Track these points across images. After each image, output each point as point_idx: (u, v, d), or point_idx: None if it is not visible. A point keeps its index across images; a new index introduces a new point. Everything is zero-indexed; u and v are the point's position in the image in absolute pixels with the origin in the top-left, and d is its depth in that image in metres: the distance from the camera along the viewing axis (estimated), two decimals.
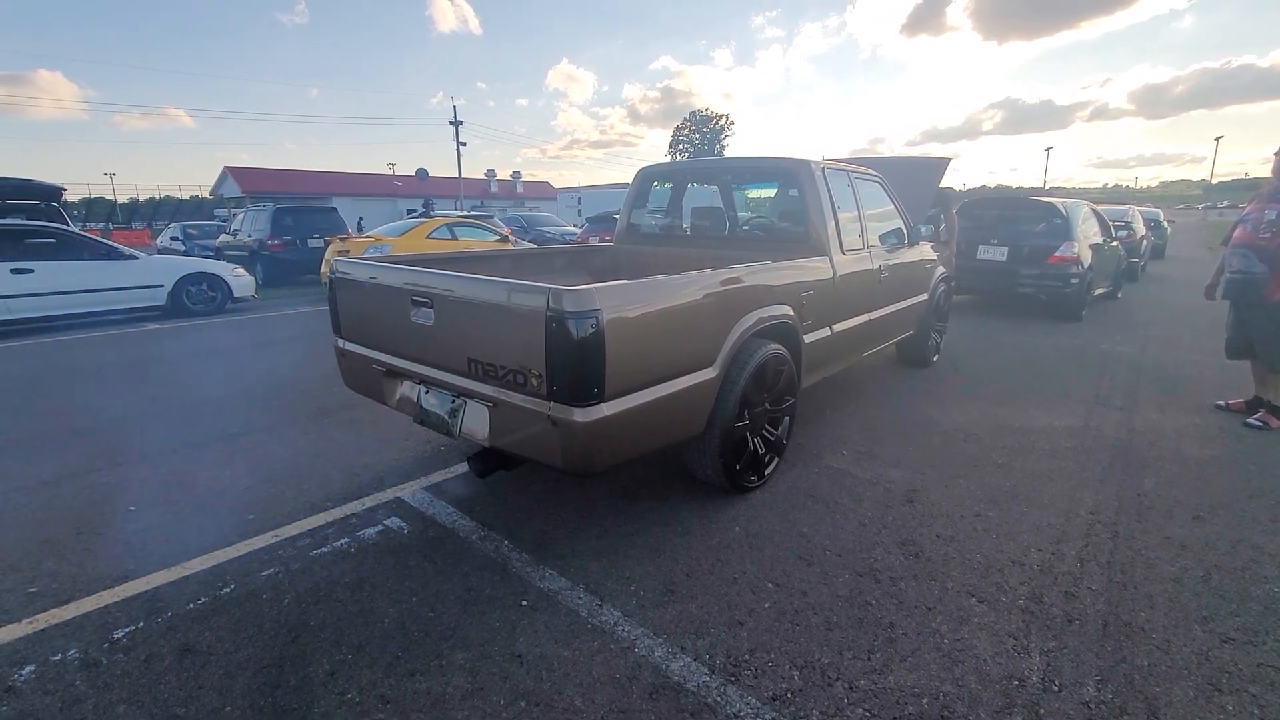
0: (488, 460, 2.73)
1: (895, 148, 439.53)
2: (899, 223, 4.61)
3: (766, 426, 3.12)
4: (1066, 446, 3.75)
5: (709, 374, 2.64)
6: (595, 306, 2.08)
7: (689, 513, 2.89)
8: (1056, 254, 7.43)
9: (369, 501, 3.00)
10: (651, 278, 2.45)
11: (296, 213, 13.13)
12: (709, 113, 78.90)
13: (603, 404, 2.17)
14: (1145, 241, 13.32)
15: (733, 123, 78.25)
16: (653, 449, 2.53)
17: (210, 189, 37.26)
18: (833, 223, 3.65)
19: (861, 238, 3.98)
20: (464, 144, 34.91)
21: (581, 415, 2.13)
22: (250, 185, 33.34)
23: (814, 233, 3.62)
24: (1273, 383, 4.14)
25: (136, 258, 8.35)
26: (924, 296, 5.06)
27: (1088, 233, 7.91)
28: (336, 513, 2.89)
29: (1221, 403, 4.51)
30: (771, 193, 4.44)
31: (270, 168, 37.48)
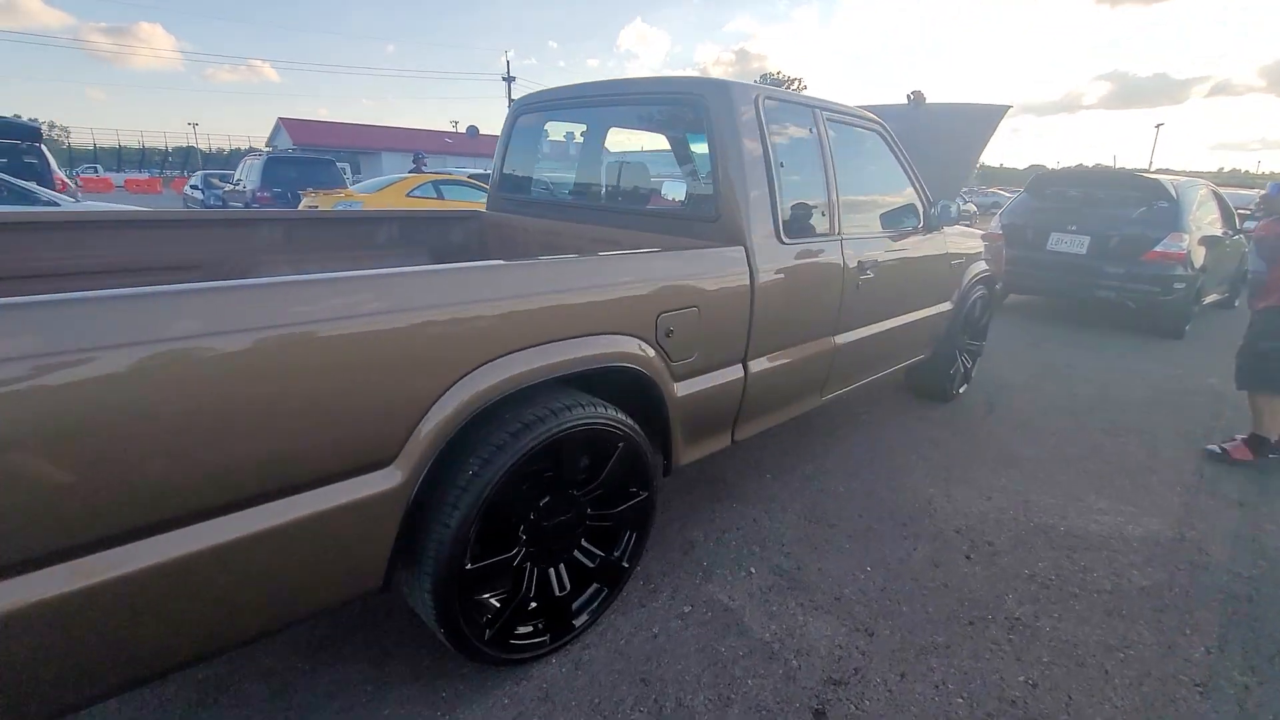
0: None
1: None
2: (909, 197, 3.06)
3: (582, 545, 1.79)
4: (1141, 586, 2.23)
5: (380, 483, 1.30)
6: None
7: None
8: (1157, 248, 5.57)
9: None
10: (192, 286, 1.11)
11: (290, 163, 12.30)
12: (780, 75, 75.04)
13: None
14: None
15: (805, 87, 74.19)
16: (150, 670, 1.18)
17: (266, 140, 37.50)
18: (761, 190, 2.18)
19: (828, 217, 2.49)
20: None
21: None
22: (300, 137, 33.24)
23: (724, 205, 2.17)
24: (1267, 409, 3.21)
25: (58, 204, 7.54)
26: (947, 306, 3.50)
27: (1203, 222, 5.96)
28: None
29: (1217, 448, 3.35)
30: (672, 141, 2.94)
31: (323, 120, 37.40)
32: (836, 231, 2.52)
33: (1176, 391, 4.36)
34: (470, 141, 38.71)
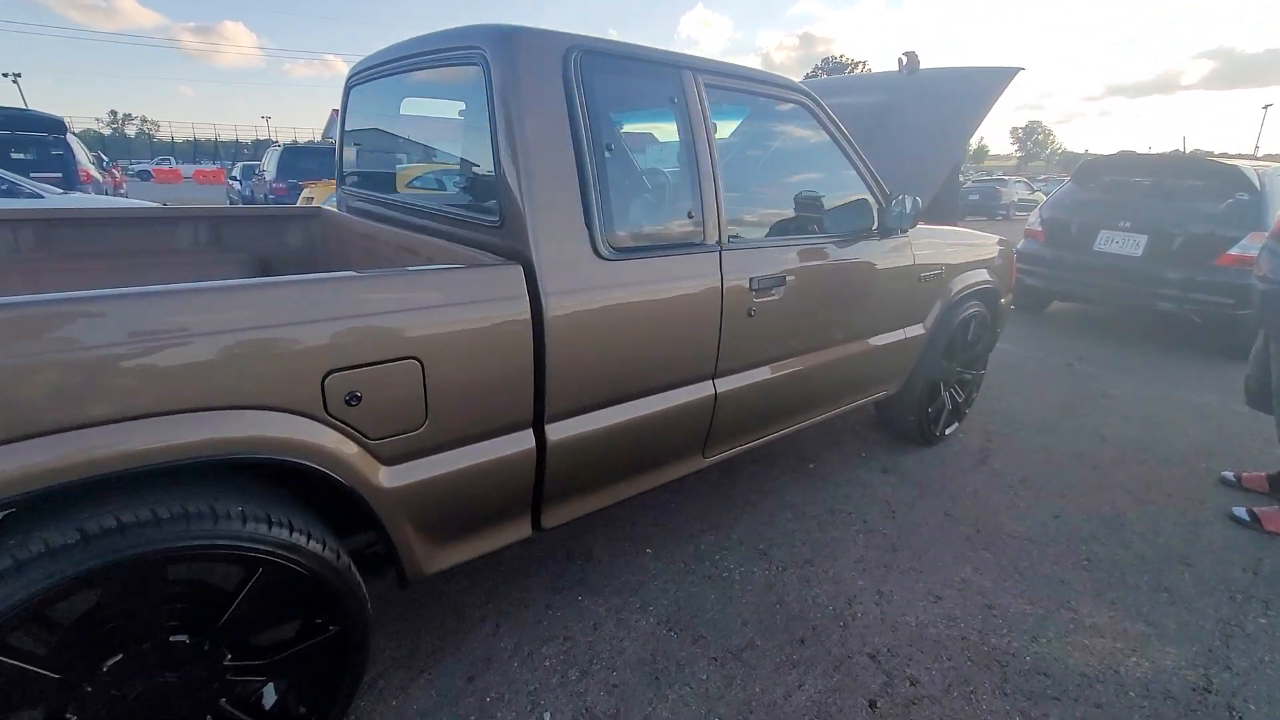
0: None
1: (1070, 104, 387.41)
2: (853, 192, 2.34)
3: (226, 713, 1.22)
4: None
5: None
6: None
7: None
8: (1233, 251, 4.53)
9: None
10: None
11: (308, 153, 12.15)
12: (843, 59, 72.36)
13: None
14: None
15: (870, 70, 71.35)
16: None
17: (323, 132, 38.44)
18: (564, 185, 1.53)
19: (699, 221, 1.81)
20: None
21: None
22: None
23: (508, 207, 1.52)
24: None
25: (41, 195, 7.50)
26: (918, 329, 2.73)
27: None
28: None
29: (1231, 475, 2.89)
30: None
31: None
32: (715, 240, 1.83)
33: (1243, 435, 3.42)
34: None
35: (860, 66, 72.52)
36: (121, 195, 14.59)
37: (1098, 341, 5.24)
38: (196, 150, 49.67)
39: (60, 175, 10.51)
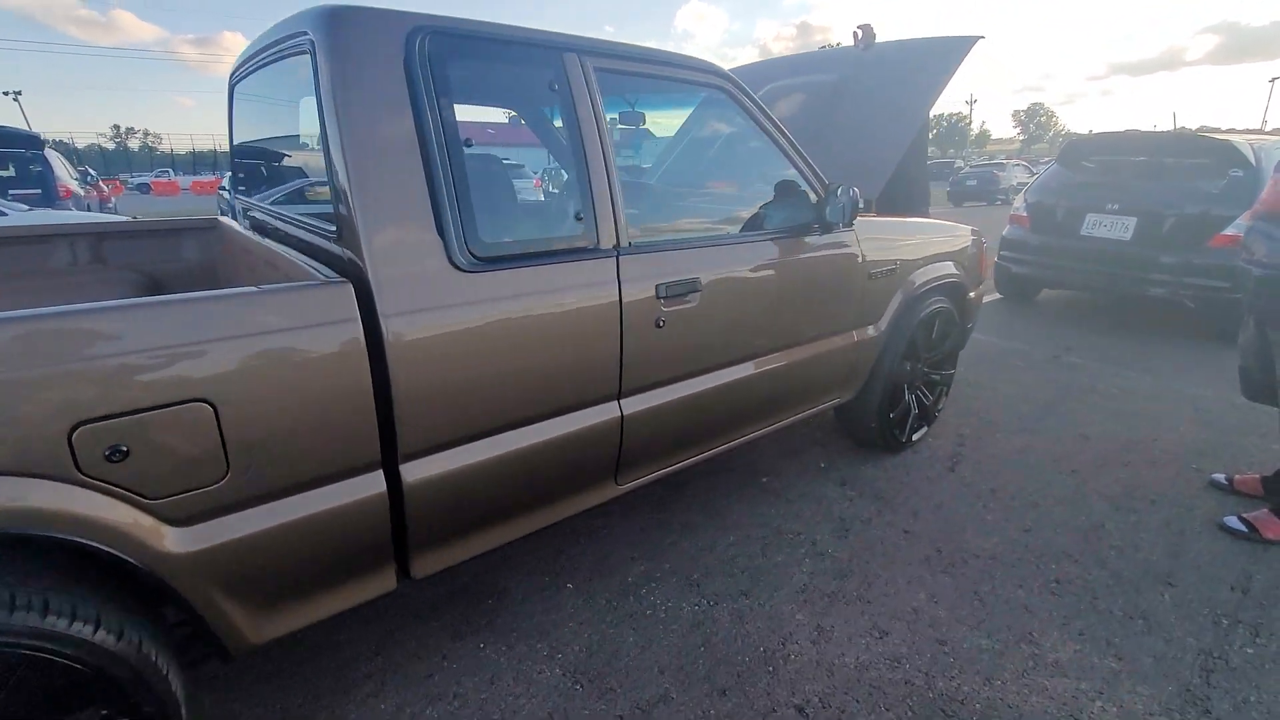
0: None
1: (1072, 84, 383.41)
2: (787, 183, 2.12)
3: None
4: None
5: None
6: None
7: None
8: (1228, 231, 4.26)
9: None
10: None
11: None
12: (839, 46, 71.69)
13: None
14: None
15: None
16: None
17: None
18: (409, 186, 1.32)
19: (590, 223, 1.60)
20: None
21: None
22: None
23: (343, 215, 1.32)
24: None
25: (4, 214, 7.35)
26: (870, 331, 2.51)
27: None
28: None
29: (1222, 478, 2.66)
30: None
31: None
32: (611, 245, 1.63)
33: (1239, 430, 3.18)
34: (514, 131, 38.66)
35: None
36: (109, 209, 14.51)
37: (1089, 331, 4.98)
38: (196, 162, 49.83)
39: (39, 191, 10.44)
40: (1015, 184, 18.81)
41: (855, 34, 3.16)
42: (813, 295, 2.19)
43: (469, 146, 1.41)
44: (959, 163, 35.86)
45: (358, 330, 1.23)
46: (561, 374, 1.56)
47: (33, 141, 10.66)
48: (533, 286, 1.48)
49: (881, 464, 2.85)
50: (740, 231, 2.01)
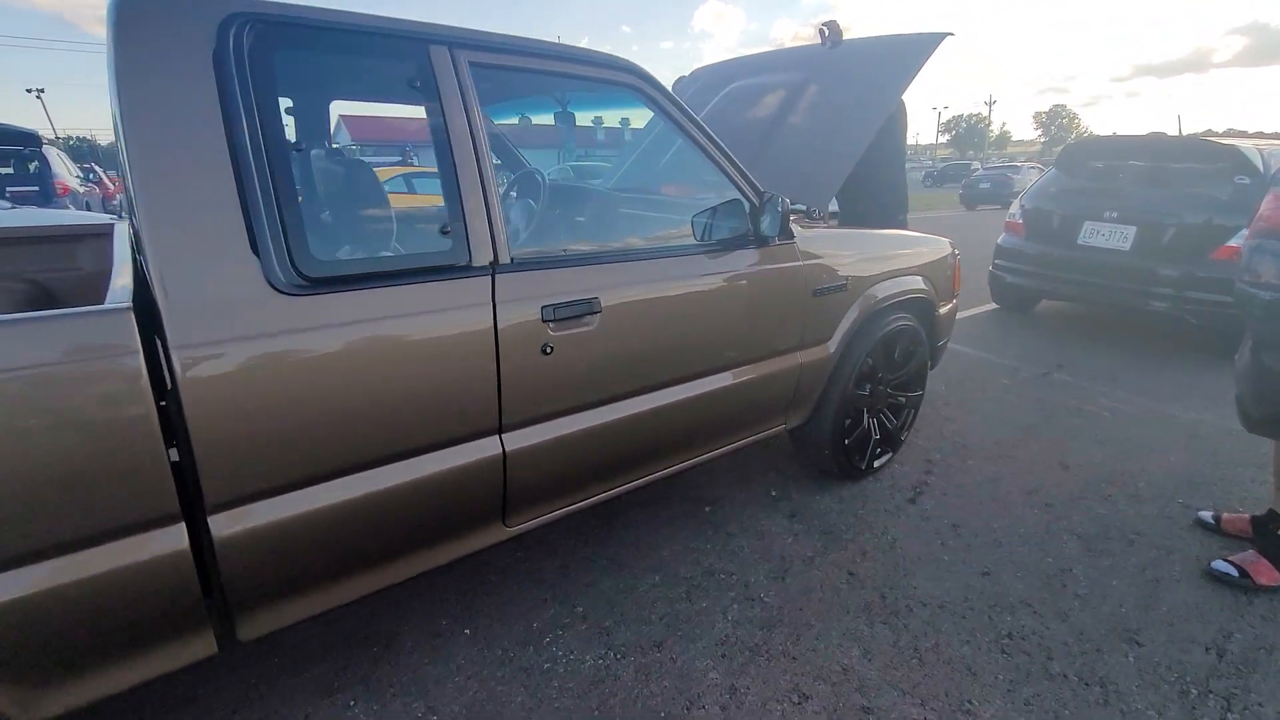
0: None
1: (1097, 86, 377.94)
2: (712, 190, 1.94)
3: None
4: None
5: None
6: None
7: None
8: (1232, 242, 4.00)
9: None
10: None
11: None
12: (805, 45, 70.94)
13: None
14: None
15: None
16: None
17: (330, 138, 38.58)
18: (207, 193, 1.15)
19: (462, 239, 1.43)
20: None
21: None
22: (359, 133, 33.79)
23: (138, 225, 1.15)
24: None
25: None
26: (820, 352, 2.31)
27: None
28: None
29: (1209, 516, 2.42)
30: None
31: (378, 116, 38.08)
32: (486, 261, 1.45)
33: (1235, 462, 2.93)
34: (523, 132, 38.68)
35: None
36: (112, 206, 14.63)
37: (1085, 345, 4.72)
38: None
39: (37, 189, 10.48)
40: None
41: (821, 31, 2.96)
42: (743, 315, 1.99)
43: (299, 150, 1.23)
44: (975, 164, 35.31)
45: (138, 364, 1.05)
46: (418, 409, 1.38)
47: (30, 139, 10.67)
48: (380, 310, 1.30)
49: (838, 493, 2.64)
50: (657, 245, 1.82)
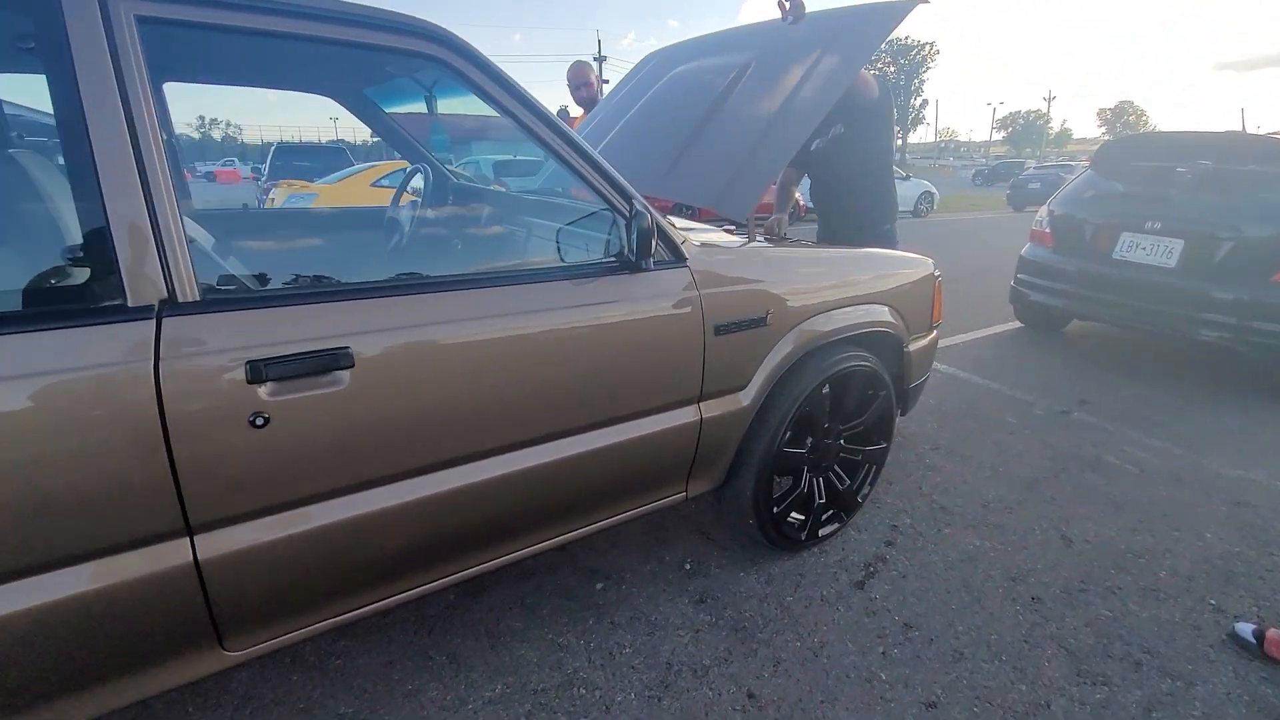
0: None
1: (1175, 86, 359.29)
2: (564, 197, 1.48)
3: None
4: None
5: None
6: None
7: None
8: None
9: None
10: None
11: (302, 152, 11.90)
12: (908, 41, 68.73)
13: None
14: None
15: (937, 52, 67.65)
16: None
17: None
18: None
19: (91, 263, 1.00)
20: (606, 80, 33.30)
21: None
22: (405, 128, 34.15)
23: None
24: None
25: None
26: (732, 404, 1.81)
27: None
28: None
29: (1249, 630, 1.81)
30: None
31: (426, 113, 38.32)
32: (150, 300, 1.02)
33: None
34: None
35: (929, 48, 68.82)
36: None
37: (1118, 376, 4.06)
38: (263, 152, 51.94)
39: None
40: None
41: (782, 4, 2.44)
42: (602, 362, 1.52)
43: None
44: (1030, 163, 33.61)
45: None
46: (29, 509, 0.96)
47: None
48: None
49: (767, 570, 2.14)
50: (471, 273, 1.37)
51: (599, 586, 2.05)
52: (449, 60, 1.31)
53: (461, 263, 2.08)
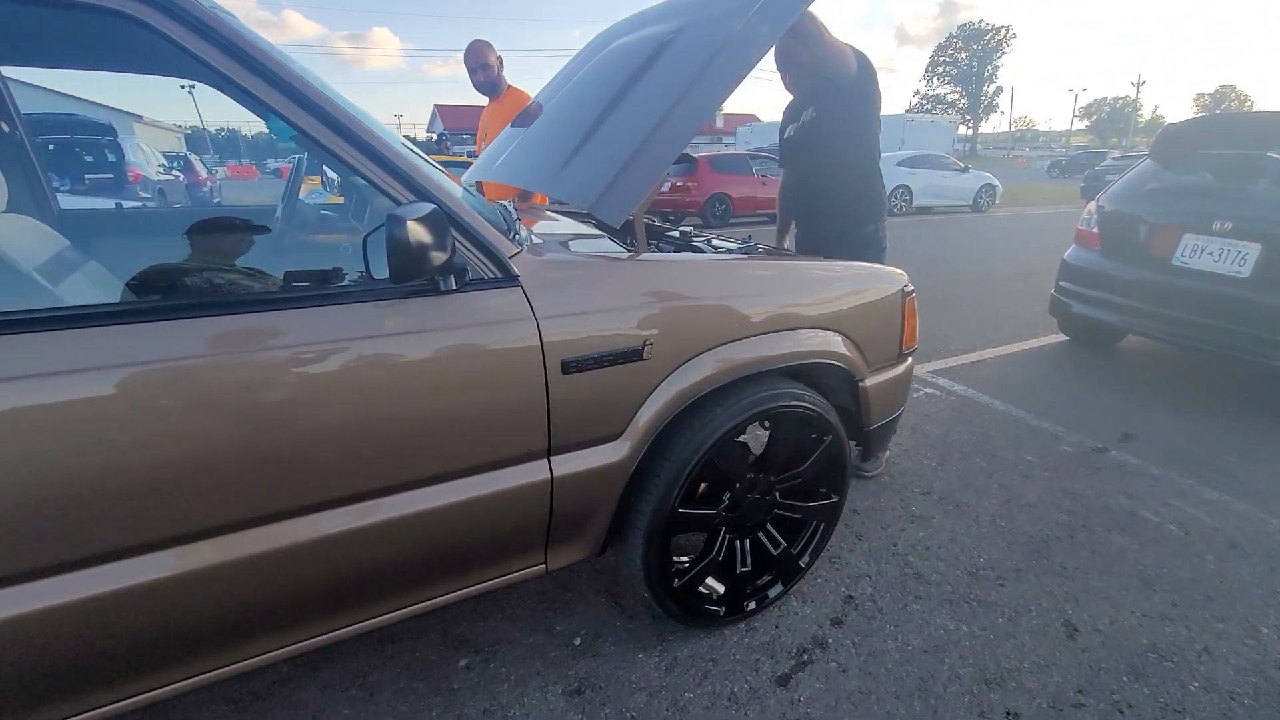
0: None
1: (1257, 86, 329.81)
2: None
3: None
4: None
5: None
6: None
7: None
8: None
9: None
10: None
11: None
12: (982, 25, 65.36)
13: None
14: None
15: (1014, 36, 64.00)
16: None
17: (426, 126, 40.05)
18: None
19: None
20: None
21: None
22: (451, 123, 34.77)
23: None
24: None
25: None
26: (593, 458, 1.43)
27: None
28: None
29: None
30: None
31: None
32: None
33: None
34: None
35: (1004, 32, 65.25)
36: (203, 193, 15.57)
37: (1174, 406, 3.42)
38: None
39: (111, 176, 11.12)
40: None
41: None
42: (392, 409, 1.17)
43: None
44: (1113, 153, 31.21)
45: None
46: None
47: (105, 129, 11.32)
48: None
49: (673, 651, 1.75)
50: (171, 296, 1.05)
51: (463, 663, 1.71)
52: (149, 19, 0.98)
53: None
